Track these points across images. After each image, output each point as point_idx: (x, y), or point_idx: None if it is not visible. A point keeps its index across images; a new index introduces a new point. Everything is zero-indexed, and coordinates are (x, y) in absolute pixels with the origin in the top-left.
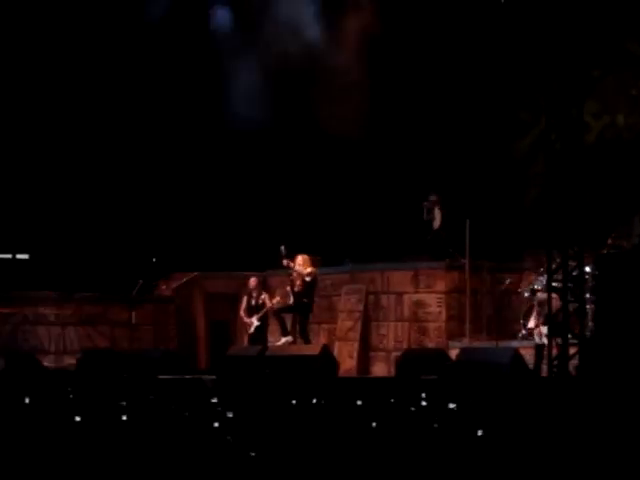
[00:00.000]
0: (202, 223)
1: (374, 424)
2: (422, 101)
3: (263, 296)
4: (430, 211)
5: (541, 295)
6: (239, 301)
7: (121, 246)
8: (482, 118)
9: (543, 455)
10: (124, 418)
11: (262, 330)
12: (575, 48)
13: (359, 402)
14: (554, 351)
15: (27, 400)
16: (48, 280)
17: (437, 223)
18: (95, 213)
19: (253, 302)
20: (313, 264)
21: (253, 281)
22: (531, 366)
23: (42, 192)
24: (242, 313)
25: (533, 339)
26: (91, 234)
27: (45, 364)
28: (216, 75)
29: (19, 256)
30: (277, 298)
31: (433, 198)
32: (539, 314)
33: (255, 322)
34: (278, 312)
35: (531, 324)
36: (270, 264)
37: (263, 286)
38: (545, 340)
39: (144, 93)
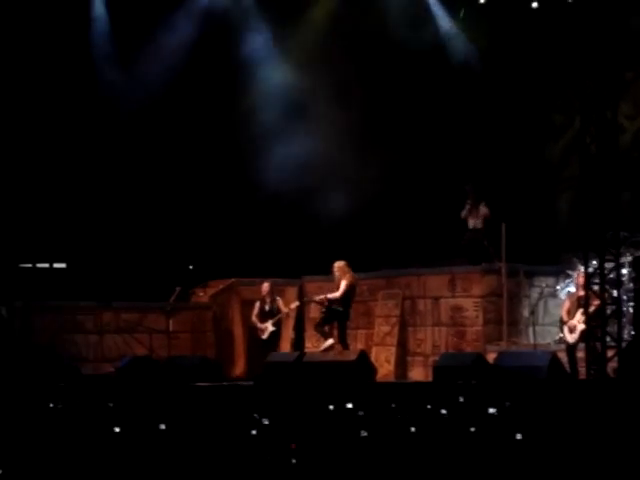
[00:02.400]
0: (239, 230)
1: (413, 429)
2: (459, 106)
3: (277, 301)
4: (473, 207)
5: (576, 296)
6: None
7: (158, 254)
8: (517, 122)
9: (581, 458)
10: (162, 427)
11: (277, 336)
12: (608, 50)
13: (395, 406)
14: (582, 353)
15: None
16: (86, 289)
17: (478, 221)
18: (133, 221)
19: (267, 307)
20: (349, 270)
21: (266, 286)
22: (568, 368)
23: (80, 201)
24: (254, 319)
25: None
26: (128, 242)
27: (84, 372)
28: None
29: (57, 265)
30: (295, 303)
31: (473, 194)
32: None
33: (270, 327)
34: (317, 327)
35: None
36: (306, 270)
37: (299, 292)
38: (570, 336)
39: (181, 103)
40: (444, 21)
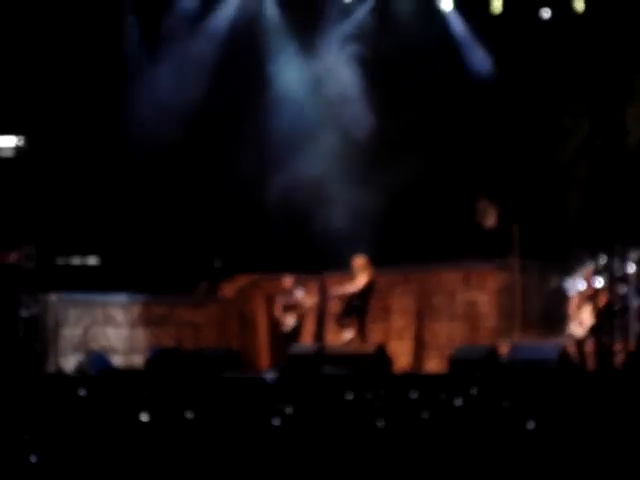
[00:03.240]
0: (263, 226)
1: (426, 415)
2: (475, 112)
3: (299, 295)
4: (484, 210)
5: (585, 293)
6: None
7: (187, 249)
8: (529, 127)
9: (592, 451)
10: (190, 416)
11: (298, 329)
12: (617, 54)
13: (412, 396)
14: (591, 346)
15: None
16: (117, 283)
17: (491, 222)
18: (161, 217)
19: (289, 301)
20: (369, 266)
21: (289, 281)
22: (577, 361)
23: (112, 198)
24: (277, 313)
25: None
26: (157, 238)
27: (114, 363)
28: None
29: (89, 260)
30: (315, 298)
31: (484, 201)
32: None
33: (292, 321)
34: (337, 321)
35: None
36: (328, 264)
37: (320, 287)
38: (578, 330)
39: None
40: (459, 30)
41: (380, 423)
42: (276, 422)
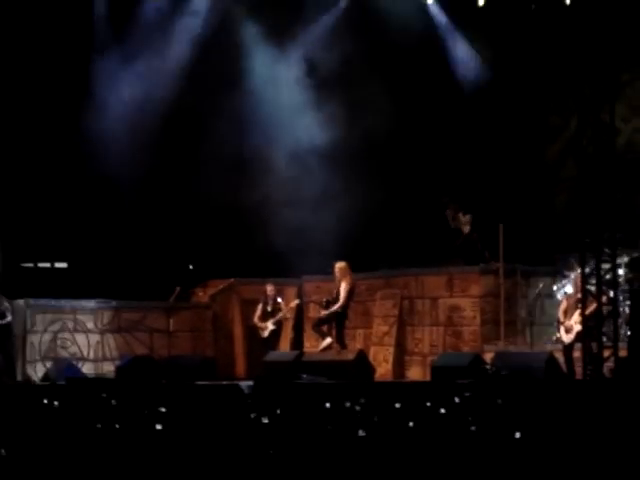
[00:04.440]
0: (238, 230)
1: (411, 424)
2: (454, 106)
3: (279, 301)
4: (454, 218)
5: (573, 298)
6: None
7: (158, 253)
8: (514, 124)
9: (578, 458)
10: (159, 427)
11: (276, 335)
12: (605, 52)
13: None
14: (579, 353)
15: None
16: (87, 288)
17: (467, 227)
18: (133, 221)
19: (269, 308)
20: (349, 272)
21: (270, 289)
22: (565, 368)
23: (81, 201)
24: (256, 320)
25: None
26: (128, 242)
27: (84, 371)
28: None
29: (58, 265)
30: (295, 302)
31: (450, 205)
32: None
33: (270, 326)
34: (315, 327)
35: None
36: (305, 270)
37: (299, 292)
38: (566, 336)
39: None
40: (443, 24)
41: (360, 433)
42: (252, 432)
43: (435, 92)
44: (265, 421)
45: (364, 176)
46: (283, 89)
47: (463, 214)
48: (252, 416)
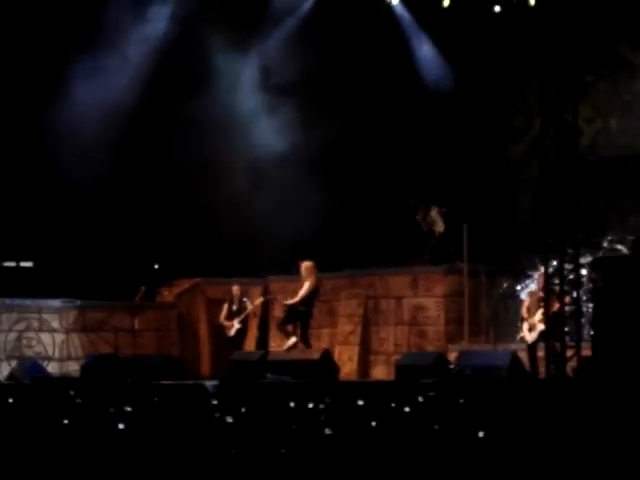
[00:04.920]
0: (204, 229)
1: (373, 423)
2: (419, 106)
3: (244, 301)
4: (425, 218)
5: (537, 296)
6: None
7: (123, 253)
8: (477, 124)
9: (542, 457)
10: (122, 426)
11: (243, 333)
12: (568, 53)
13: (359, 403)
14: (542, 353)
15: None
16: (52, 287)
17: (440, 227)
18: (98, 220)
19: (235, 307)
20: (315, 272)
21: (236, 289)
22: (528, 367)
23: (45, 200)
24: (222, 319)
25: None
26: (94, 241)
27: (49, 370)
28: None
29: (23, 264)
30: (260, 299)
31: (419, 206)
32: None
33: (236, 325)
34: (280, 327)
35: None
36: (271, 269)
37: (264, 292)
38: (529, 334)
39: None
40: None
41: (325, 432)
42: (216, 432)
43: (399, 93)
44: (230, 420)
45: (329, 176)
46: (243, 95)
47: (431, 210)
48: (216, 415)
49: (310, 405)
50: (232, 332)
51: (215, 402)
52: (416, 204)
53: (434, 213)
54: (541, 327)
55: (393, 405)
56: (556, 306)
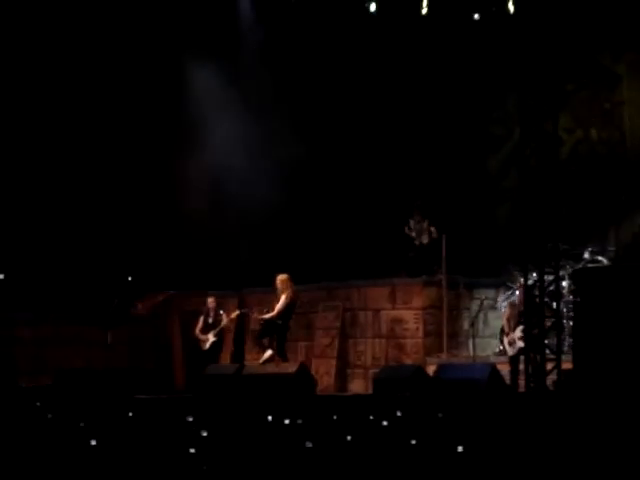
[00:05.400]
0: (178, 242)
1: (349, 438)
2: (398, 116)
3: (220, 314)
4: (417, 224)
5: (517, 308)
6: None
7: (97, 266)
8: (456, 134)
9: (522, 470)
10: (94, 442)
11: (218, 347)
12: (549, 62)
13: (336, 419)
14: (523, 366)
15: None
16: (24, 301)
17: (425, 239)
18: (70, 233)
19: (210, 320)
20: (291, 284)
21: (211, 301)
22: (507, 380)
23: (16, 212)
24: (197, 332)
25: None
26: (66, 254)
27: (21, 384)
28: None
29: None
30: (236, 312)
31: (419, 217)
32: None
33: (211, 338)
34: (256, 340)
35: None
36: (247, 282)
37: (239, 304)
38: (510, 348)
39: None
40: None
41: (304, 445)
42: (191, 446)
43: (378, 99)
44: (204, 434)
45: (310, 187)
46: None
47: (429, 224)
48: (193, 429)
49: (286, 421)
50: (207, 345)
51: (190, 417)
52: (419, 206)
53: (425, 225)
54: (521, 344)
55: (371, 419)
56: (536, 317)
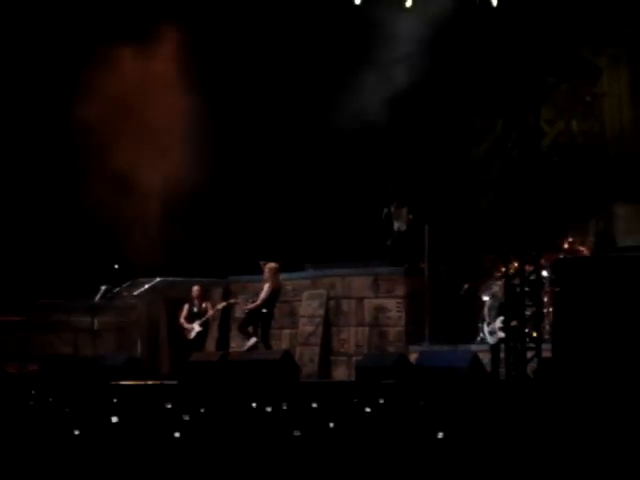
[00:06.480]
0: (164, 229)
1: (331, 425)
2: (383, 106)
3: (205, 304)
4: (396, 210)
5: (498, 299)
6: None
7: (84, 253)
8: (439, 125)
9: (502, 457)
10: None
11: (203, 336)
12: (530, 55)
13: (318, 405)
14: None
15: None
16: (11, 287)
17: (403, 226)
18: (58, 219)
19: (195, 309)
20: (277, 273)
21: (196, 289)
22: (488, 368)
23: (2, 199)
24: (182, 320)
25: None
26: (54, 240)
27: (9, 371)
28: None
29: None
30: (222, 304)
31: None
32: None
33: (197, 328)
34: (240, 328)
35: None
36: (232, 270)
37: (224, 293)
38: (490, 337)
39: None
40: None
41: (289, 432)
42: (176, 432)
43: (363, 88)
44: (186, 418)
45: (292, 175)
46: None
47: (407, 210)
48: (176, 415)
49: (269, 409)
50: (192, 335)
51: (173, 403)
52: (395, 193)
53: (404, 212)
54: (501, 335)
55: (353, 404)
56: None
